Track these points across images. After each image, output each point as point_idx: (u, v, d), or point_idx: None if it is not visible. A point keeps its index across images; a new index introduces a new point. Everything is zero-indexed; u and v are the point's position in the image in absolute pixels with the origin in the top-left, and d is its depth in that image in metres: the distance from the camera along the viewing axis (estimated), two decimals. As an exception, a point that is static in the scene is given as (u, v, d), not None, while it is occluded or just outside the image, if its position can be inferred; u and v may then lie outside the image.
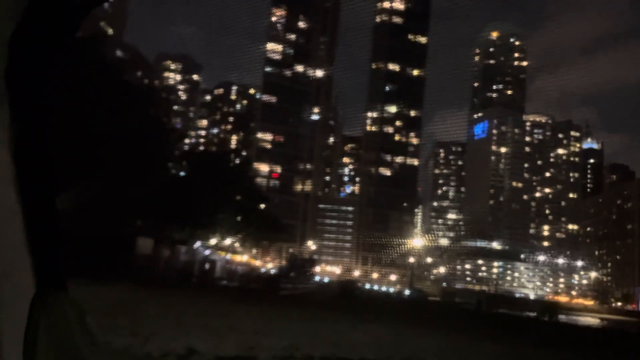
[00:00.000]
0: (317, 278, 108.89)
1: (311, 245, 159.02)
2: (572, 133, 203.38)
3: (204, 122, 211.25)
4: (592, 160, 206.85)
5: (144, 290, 20.71)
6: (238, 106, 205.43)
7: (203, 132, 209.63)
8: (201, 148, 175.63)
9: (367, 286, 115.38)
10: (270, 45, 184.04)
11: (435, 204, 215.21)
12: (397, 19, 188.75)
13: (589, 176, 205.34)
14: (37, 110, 1.87)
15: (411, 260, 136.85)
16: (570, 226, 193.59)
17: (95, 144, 28.69)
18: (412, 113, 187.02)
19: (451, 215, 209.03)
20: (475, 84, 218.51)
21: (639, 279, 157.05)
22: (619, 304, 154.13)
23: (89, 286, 18.69)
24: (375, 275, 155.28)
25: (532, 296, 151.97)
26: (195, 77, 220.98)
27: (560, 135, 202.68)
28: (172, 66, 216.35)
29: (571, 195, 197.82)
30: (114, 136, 29.83)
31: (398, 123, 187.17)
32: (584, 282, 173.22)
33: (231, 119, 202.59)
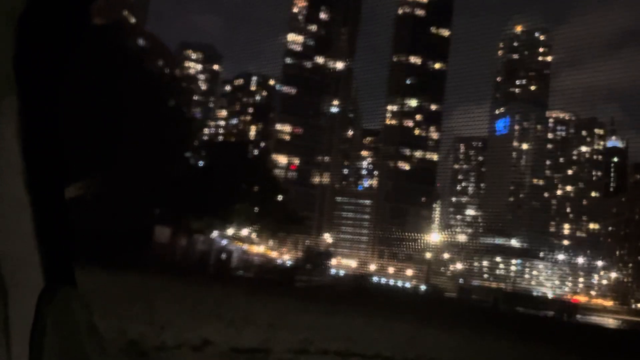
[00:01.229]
0: (333, 271, 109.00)
1: (328, 238, 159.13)
2: (596, 131, 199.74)
3: (224, 113, 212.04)
4: (615, 159, 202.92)
5: (161, 279, 20.81)
6: (257, 97, 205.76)
7: (222, 123, 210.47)
8: (220, 138, 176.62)
9: (383, 280, 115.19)
10: (291, 36, 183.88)
11: (454, 199, 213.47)
12: (419, 11, 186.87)
13: (612, 175, 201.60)
14: (48, 99, 1.78)
15: (428, 255, 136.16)
16: (591, 225, 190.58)
17: (115, 132, 28.87)
18: (433, 107, 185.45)
19: (470, 212, 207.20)
20: (498, 79, 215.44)
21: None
22: (639, 305, 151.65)
23: (106, 274, 18.82)
24: (391, 270, 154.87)
25: (550, 295, 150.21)
26: (215, 67, 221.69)
27: (584, 133, 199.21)
28: (193, 55, 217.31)
29: (593, 194, 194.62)
30: (133, 125, 29.98)
31: (418, 117, 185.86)
32: (604, 282, 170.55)
33: (250, 109, 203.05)
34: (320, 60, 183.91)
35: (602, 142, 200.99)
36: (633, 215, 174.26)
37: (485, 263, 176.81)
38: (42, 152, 1.92)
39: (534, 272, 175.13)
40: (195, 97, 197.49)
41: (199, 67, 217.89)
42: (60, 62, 1.78)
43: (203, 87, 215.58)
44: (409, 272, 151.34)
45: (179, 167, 39.61)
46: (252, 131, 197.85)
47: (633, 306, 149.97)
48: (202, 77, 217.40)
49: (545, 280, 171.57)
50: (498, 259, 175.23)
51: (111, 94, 28.43)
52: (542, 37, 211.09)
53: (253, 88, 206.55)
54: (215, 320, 10.98)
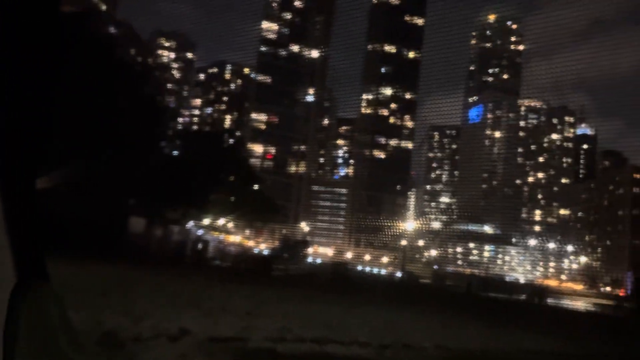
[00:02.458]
0: (309, 259, 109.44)
1: (304, 226, 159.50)
2: (567, 118, 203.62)
3: (198, 102, 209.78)
4: (585, 146, 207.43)
5: (136, 270, 20.67)
6: (232, 86, 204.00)
7: (197, 112, 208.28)
8: (195, 127, 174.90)
9: (360, 268, 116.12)
10: (266, 24, 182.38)
11: (428, 187, 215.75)
12: (394, 0, 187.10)
13: (582, 162, 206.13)
14: (16, 90, 1.70)
15: (403, 242, 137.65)
16: (561, 211, 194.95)
17: (88, 123, 28.38)
18: (408, 96, 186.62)
19: (444, 199, 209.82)
20: (471, 68, 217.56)
21: (628, 265, 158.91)
22: (608, 288, 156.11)
23: (80, 266, 18.60)
24: (367, 257, 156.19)
25: (522, 280, 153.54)
26: (189, 55, 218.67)
27: (555, 121, 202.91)
28: (166, 44, 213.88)
29: (564, 180, 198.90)
30: (106, 115, 29.51)
31: (393, 105, 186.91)
32: (574, 266, 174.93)
33: (225, 98, 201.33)
34: (295, 48, 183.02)
35: (572, 130, 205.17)
36: (602, 201, 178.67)
37: (459, 249, 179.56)
38: (10, 145, 1.86)
39: (507, 258, 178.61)
40: (169, 86, 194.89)
41: (173, 55, 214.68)
42: (29, 51, 1.71)
43: (177, 75, 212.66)
44: (385, 259, 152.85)
45: (153, 157, 39.16)
46: (228, 120, 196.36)
47: (602, 289, 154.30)
48: (175, 65, 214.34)
49: (517, 266, 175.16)
50: (471, 245, 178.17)
51: (82, 84, 27.90)
52: (514, 26, 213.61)
53: (228, 77, 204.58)
54: (193, 310, 11.00)
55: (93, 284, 13.81)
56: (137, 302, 11.30)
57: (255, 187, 79.75)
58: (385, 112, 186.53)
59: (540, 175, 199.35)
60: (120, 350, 7.43)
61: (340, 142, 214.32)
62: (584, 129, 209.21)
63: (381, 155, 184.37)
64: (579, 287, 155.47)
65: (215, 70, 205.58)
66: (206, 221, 61.97)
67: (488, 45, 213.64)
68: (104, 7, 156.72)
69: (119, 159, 31.54)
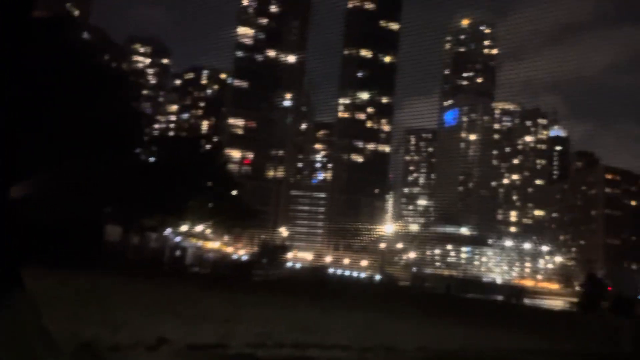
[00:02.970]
0: (289, 264, 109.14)
1: (283, 231, 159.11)
2: (540, 120, 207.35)
3: (174, 107, 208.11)
4: (558, 148, 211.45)
5: (113, 279, 20.37)
6: (209, 91, 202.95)
7: (173, 117, 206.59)
8: (171, 133, 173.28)
9: (339, 272, 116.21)
10: (242, 29, 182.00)
11: (406, 190, 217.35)
12: (369, 5, 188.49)
13: (555, 163, 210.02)
14: None
15: (382, 245, 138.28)
16: (536, 212, 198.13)
17: (62, 130, 27.94)
18: (384, 100, 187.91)
19: (422, 202, 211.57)
20: (446, 72, 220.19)
21: (602, 263, 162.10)
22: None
23: (56, 275, 18.27)
24: (347, 261, 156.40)
25: (499, 280, 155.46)
26: (165, 60, 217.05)
27: (528, 123, 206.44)
28: (141, 49, 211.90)
29: (538, 181, 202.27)
30: (80, 121, 29.08)
31: (370, 110, 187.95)
32: (550, 266, 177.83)
33: (202, 103, 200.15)
34: (271, 53, 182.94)
35: (545, 132, 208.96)
36: (575, 201, 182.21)
37: (437, 251, 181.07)
38: None
39: (484, 259, 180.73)
40: (145, 92, 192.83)
41: (148, 61, 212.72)
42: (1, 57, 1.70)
43: (153, 81, 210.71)
44: (364, 262, 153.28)
45: (129, 163, 38.69)
46: (204, 125, 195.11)
47: (577, 288, 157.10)
48: (151, 71, 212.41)
49: (495, 266, 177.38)
50: (449, 247, 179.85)
51: (56, 90, 27.47)
52: (487, 31, 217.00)
53: (204, 82, 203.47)
54: (171, 318, 10.88)
55: (69, 293, 13.57)
56: (114, 311, 11.14)
57: (234, 192, 79.32)
58: (362, 116, 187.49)
59: (515, 176, 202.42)
60: (98, 361, 7.33)
61: (318, 146, 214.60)
62: (556, 131, 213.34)
63: (359, 159, 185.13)
64: (554, 286, 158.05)
65: (191, 75, 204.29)
66: (184, 228, 61.43)
67: (462, 49, 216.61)
68: (76, 13, 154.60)
69: (94, 166, 31.09)
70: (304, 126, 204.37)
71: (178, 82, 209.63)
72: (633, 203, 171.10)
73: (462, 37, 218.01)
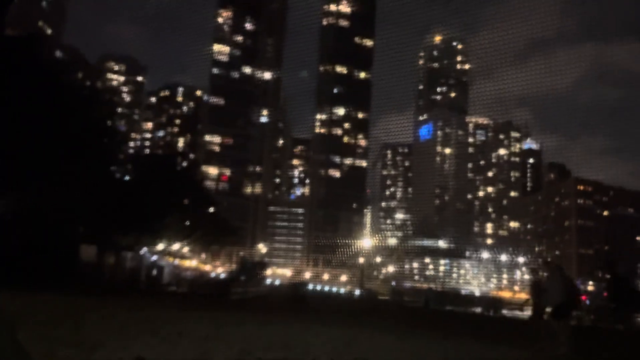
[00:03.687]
0: (268, 281, 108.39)
1: (262, 248, 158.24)
2: (513, 134, 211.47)
3: (149, 125, 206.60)
4: (531, 160, 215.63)
5: (88, 299, 20.00)
6: (185, 108, 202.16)
7: (148, 135, 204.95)
8: (147, 151, 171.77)
9: (319, 287, 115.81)
10: (217, 47, 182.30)
11: (383, 204, 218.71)
12: (343, 22, 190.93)
13: (528, 175, 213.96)
14: None
15: (361, 260, 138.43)
16: (512, 224, 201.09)
17: (34, 149, 27.51)
18: (360, 115, 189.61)
19: (399, 215, 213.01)
20: (420, 87, 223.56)
21: (576, 273, 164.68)
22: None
23: (29, 296, 17.87)
24: (326, 276, 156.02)
25: (477, 292, 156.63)
26: (139, 78, 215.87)
27: (502, 136, 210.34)
28: (116, 67, 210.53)
29: (512, 193, 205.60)
30: (53, 140, 28.69)
31: (346, 125, 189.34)
32: (526, 277, 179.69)
33: (178, 121, 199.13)
34: (247, 70, 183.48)
35: (518, 145, 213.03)
36: (549, 212, 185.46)
37: (415, 265, 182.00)
38: None
39: (461, 271, 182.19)
40: (119, 110, 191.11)
41: (122, 78, 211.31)
42: None
43: (127, 99, 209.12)
44: (343, 277, 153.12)
45: (103, 182, 38.19)
46: (181, 143, 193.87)
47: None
48: (125, 88, 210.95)
49: (472, 279, 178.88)
50: (427, 260, 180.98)
51: (28, 109, 27.10)
52: (459, 47, 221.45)
53: (180, 99, 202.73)
54: (148, 337, 10.72)
55: (43, 314, 13.29)
56: (89, 331, 10.94)
57: (211, 209, 78.79)
58: (339, 132, 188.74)
59: (490, 189, 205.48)
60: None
61: (295, 162, 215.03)
62: (529, 144, 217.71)
63: (336, 174, 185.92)
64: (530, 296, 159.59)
65: (166, 92, 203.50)
66: (160, 246, 60.68)
67: (435, 65, 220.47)
68: (49, 31, 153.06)
69: (67, 184, 30.62)
70: (281, 142, 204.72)
71: (153, 99, 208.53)
72: (605, 213, 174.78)
73: (435, 53, 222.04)
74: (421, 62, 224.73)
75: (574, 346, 13.66)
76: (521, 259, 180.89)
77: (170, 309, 19.69)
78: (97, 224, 37.95)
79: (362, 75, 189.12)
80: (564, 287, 13.97)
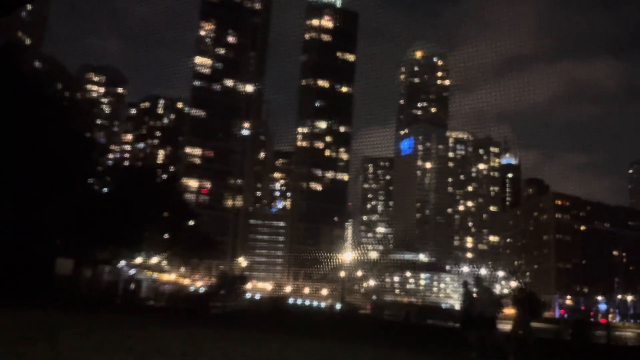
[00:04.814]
0: (248, 295, 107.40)
1: (242, 261, 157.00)
2: (492, 149, 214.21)
3: (129, 137, 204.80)
4: (510, 175, 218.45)
5: (64, 314, 19.61)
6: (165, 120, 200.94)
7: (128, 147, 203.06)
8: (126, 163, 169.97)
9: (299, 301, 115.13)
10: (199, 59, 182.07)
11: (364, 217, 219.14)
12: (326, 37, 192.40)
13: (508, 190, 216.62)
14: None
15: (342, 274, 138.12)
16: (491, 238, 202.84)
17: (10, 160, 27.05)
18: (342, 129, 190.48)
19: (380, 229, 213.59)
20: (401, 102, 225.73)
21: (555, 287, 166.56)
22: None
23: (2, 312, 17.43)
24: (307, 290, 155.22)
25: (457, 306, 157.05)
26: (120, 90, 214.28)
27: (481, 151, 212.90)
28: (95, 78, 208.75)
29: (492, 208, 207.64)
30: (30, 152, 28.25)
31: (328, 138, 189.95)
32: (505, 291, 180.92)
33: (158, 133, 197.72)
34: (229, 83, 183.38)
35: (497, 160, 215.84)
36: (527, 226, 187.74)
37: (396, 278, 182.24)
38: None
39: (442, 285, 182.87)
40: (99, 121, 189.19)
41: (102, 90, 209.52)
42: None
43: (107, 110, 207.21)
44: (324, 291, 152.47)
45: (81, 194, 37.65)
46: (161, 155, 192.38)
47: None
48: (105, 100, 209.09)
49: (452, 292, 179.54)
50: (408, 274, 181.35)
51: (4, 120, 26.70)
52: (440, 62, 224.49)
53: (160, 111, 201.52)
54: (124, 354, 10.57)
55: (17, 330, 13.00)
56: (64, 347, 10.74)
57: (191, 222, 78.03)
58: (320, 145, 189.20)
59: (469, 203, 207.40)
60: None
61: (276, 175, 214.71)
62: (508, 159, 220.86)
63: (318, 187, 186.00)
64: (510, 311, 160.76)
65: (147, 104, 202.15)
66: (139, 260, 59.84)
67: (416, 80, 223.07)
68: (28, 41, 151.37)
69: (44, 197, 30.13)
70: (262, 155, 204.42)
71: (133, 111, 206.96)
72: (582, 228, 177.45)
73: (416, 68, 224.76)
74: (402, 77, 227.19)
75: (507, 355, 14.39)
76: (501, 273, 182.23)
77: (147, 324, 19.40)
78: (74, 237, 37.36)
79: (344, 89, 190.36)
80: (476, 300, 15.44)
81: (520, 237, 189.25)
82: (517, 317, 15.98)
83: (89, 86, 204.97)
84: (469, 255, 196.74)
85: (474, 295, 15.88)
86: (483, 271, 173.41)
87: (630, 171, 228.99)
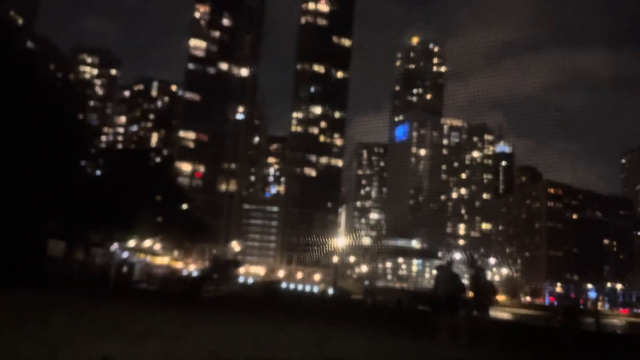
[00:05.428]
0: (241, 279, 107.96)
1: (235, 246, 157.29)
2: (486, 136, 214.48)
3: (122, 119, 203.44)
4: (504, 163, 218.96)
5: (56, 296, 19.58)
6: (159, 103, 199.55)
7: (121, 130, 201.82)
8: (119, 146, 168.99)
9: (292, 286, 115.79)
10: (194, 42, 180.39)
11: (358, 204, 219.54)
12: (321, 21, 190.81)
13: (501, 177, 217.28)
14: None
15: (335, 259, 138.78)
16: (484, 225, 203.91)
17: (1, 141, 26.82)
18: (337, 114, 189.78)
19: (373, 215, 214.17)
20: (397, 88, 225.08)
21: (545, 275, 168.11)
22: (528, 298, 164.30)
23: (-7, 293, 17.41)
24: (299, 275, 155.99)
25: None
26: (113, 71, 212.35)
27: (475, 139, 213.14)
28: (89, 59, 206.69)
29: (485, 195, 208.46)
30: (22, 133, 28.01)
31: (323, 124, 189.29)
32: (496, 278, 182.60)
33: (152, 116, 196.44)
34: (224, 66, 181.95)
35: (491, 147, 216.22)
36: (520, 214, 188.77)
37: (388, 264, 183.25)
38: None
39: (434, 271, 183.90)
40: (92, 103, 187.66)
41: (95, 71, 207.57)
42: None
43: (100, 92, 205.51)
44: (317, 276, 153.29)
45: (74, 176, 37.45)
46: (154, 138, 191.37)
47: (522, 299, 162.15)
48: (98, 82, 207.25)
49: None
50: (400, 259, 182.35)
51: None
52: (436, 49, 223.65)
53: (154, 94, 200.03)
54: (117, 336, 10.54)
55: (7, 313, 12.96)
56: (55, 330, 10.71)
57: (184, 206, 77.96)
58: (315, 130, 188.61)
59: (463, 191, 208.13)
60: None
61: (271, 160, 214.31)
62: (502, 147, 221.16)
63: (312, 172, 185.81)
64: (501, 297, 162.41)
65: (141, 87, 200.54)
66: (132, 243, 59.81)
67: (412, 66, 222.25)
68: (20, 21, 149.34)
69: (35, 179, 29.94)
70: (257, 139, 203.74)
71: (127, 93, 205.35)
72: (574, 216, 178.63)
73: (412, 54, 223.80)
74: (398, 63, 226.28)
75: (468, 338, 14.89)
76: (492, 260, 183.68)
77: (140, 307, 19.42)
78: (67, 219, 37.23)
79: (340, 74, 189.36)
80: (443, 285, 16.09)
81: (512, 225, 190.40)
82: (472, 299, 16.70)
83: (82, 67, 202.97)
84: (461, 242, 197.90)
85: (443, 279, 16.37)
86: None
87: (623, 160, 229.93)
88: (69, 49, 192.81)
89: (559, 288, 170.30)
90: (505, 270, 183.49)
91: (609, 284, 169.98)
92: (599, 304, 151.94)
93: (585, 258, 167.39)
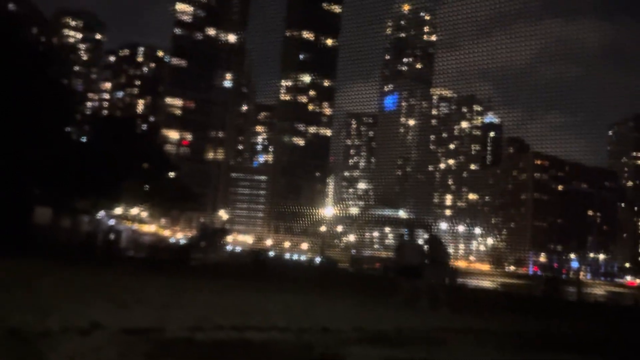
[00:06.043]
0: (228, 248, 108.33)
1: (223, 214, 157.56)
2: (475, 107, 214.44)
3: (108, 85, 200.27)
4: (492, 134, 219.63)
5: (43, 263, 19.55)
6: (145, 69, 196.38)
7: (107, 96, 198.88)
8: (105, 112, 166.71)
9: (279, 255, 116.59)
10: (180, 6, 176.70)
11: (346, 173, 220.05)
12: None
13: (489, 149, 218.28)
14: None
15: (322, 228, 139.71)
16: (470, 196, 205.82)
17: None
18: (326, 83, 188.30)
19: (361, 185, 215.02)
20: (387, 57, 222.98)
21: (530, 245, 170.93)
22: (512, 268, 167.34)
23: (-22, 260, 17.33)
24: (287, 244, 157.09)
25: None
26: (98, 36, 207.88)
27: (464, 109, 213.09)
28: (73, 23, 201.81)
29: (472, 166, 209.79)
30: (5, 98, 27.47)
31: (312, 93, 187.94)
32: (482, 248, 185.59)
33: (138, 82, 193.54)
34: (211, 32, 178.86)
35: (480, 118, 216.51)
36: (506, 185, 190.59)
37: (375, 234, 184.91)
38: None
39: (420, 241, 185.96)
40: (77, 68, 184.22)
41: (80, 35, 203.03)
42: None
43: (85, 57, 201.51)
44: (304, 245, 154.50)
45: (59, 143, 37.00)
46: (140, 105, 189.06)
47: (506, 269, 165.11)
48: (83, 46, 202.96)
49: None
50: (387, 229, 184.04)
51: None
52: (427, 17, 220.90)
53: (140, 59, 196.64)
54: (105, 303, 10.60)
55: (-7, 279, 12.94)
56: (43, 296, 10.73)
57: (171, 174, 77.60)
58: (304, 99, 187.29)
59: (451, 161, 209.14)
60: (28, 347, 7.06)
61: (259, 128, 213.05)
62: (491, 118, 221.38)
63: (300, 142, 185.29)
64: (486, 267, 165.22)
65: (126, 52, 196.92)
66: (119, 210, 59.67)
67: (402, 35, 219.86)
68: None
69: (20, 146, 29.55)
70: (244, 108, 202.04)
71: (112, 58, 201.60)
72: (560, 188, 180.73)
73: (403, 22, 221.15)
74: (388, 31, 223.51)
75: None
76: (478, 230, 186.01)
77: (128, 274, 19.48)
78: (53, 186, 36.93)
79: (329, 42, 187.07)
80: (410, 252, 17.45)
81: (499, 196, 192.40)
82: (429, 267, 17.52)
83: (65, 31, 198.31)
84: (448, 212, 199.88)
85: (405, 248, 17.86)
86: (461, 228, 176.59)
87: (610, 133, 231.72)
88: (52, 13, 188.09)
89: (542, 258, 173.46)
90: (490, 240, 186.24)
91: (591, 255, 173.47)
92: (581, 274, 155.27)
93: (569, 229, 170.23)
